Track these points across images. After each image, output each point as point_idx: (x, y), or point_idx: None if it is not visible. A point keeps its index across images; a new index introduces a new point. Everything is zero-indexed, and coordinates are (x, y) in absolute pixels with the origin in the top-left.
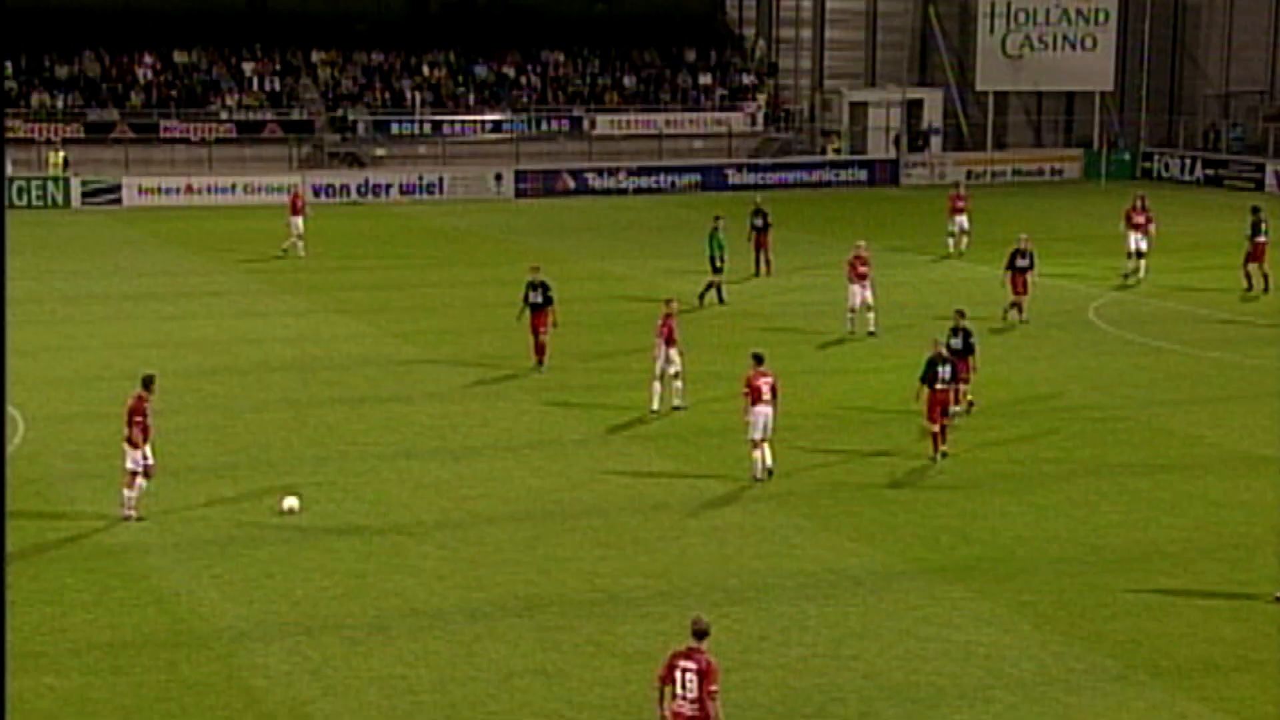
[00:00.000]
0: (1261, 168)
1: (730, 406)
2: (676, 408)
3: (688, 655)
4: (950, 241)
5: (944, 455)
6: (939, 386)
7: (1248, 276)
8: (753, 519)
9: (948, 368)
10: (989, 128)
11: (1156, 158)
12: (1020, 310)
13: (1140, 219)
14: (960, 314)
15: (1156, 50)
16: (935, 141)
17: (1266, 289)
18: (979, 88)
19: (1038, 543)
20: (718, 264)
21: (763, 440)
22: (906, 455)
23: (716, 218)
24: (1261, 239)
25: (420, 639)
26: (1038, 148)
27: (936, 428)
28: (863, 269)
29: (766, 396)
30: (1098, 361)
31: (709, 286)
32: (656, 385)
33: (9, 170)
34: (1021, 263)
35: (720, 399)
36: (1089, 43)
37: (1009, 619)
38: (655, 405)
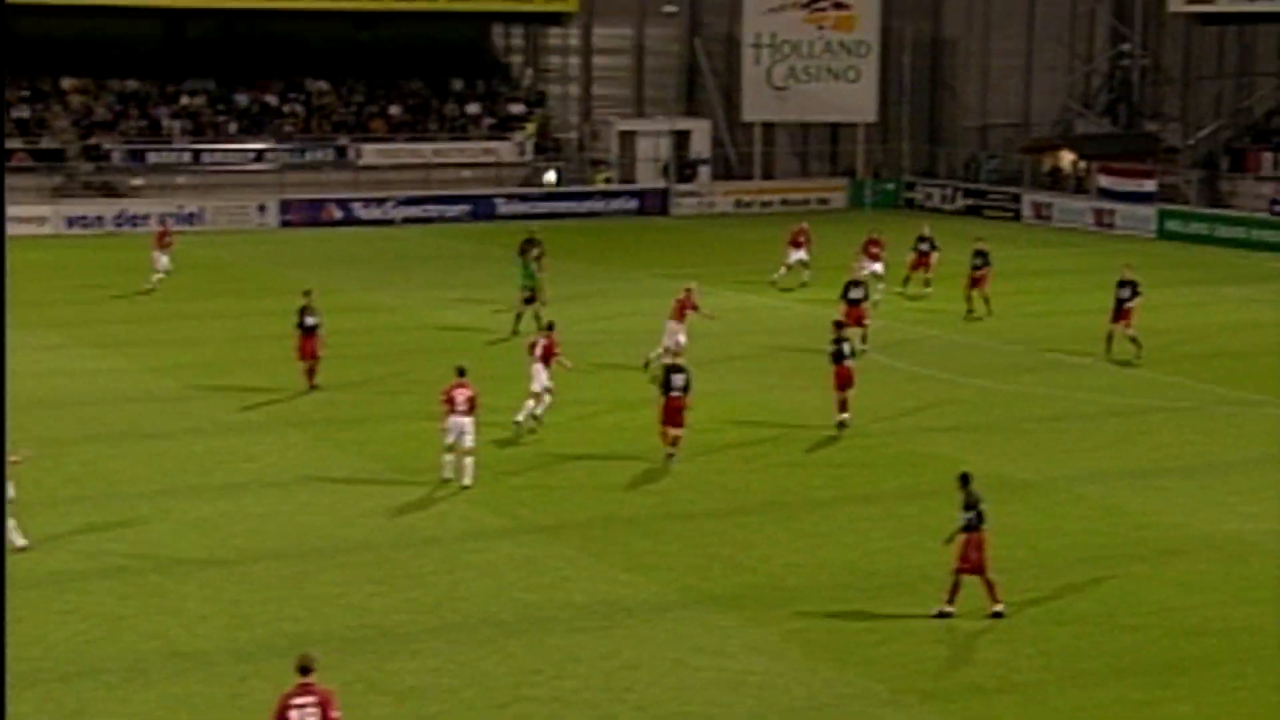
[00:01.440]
0: (1018, 198)
1: (509, 447)
2: (536, 417)
3: (301, 692)
4: (784, 272)
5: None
6: (672, 394)
7: (969, 300)
8: (524, 551)
9: (680, 376)
10: (756, 158)
11: (919, 187)
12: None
13: (876, 250)
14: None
15: (917, 82)
16: (704, 171)
17: (989, 313)
18: (746, 118)
19: (808, 570)
20: (528, 293)
21: (460, 449)
22: (681, 483)
23: (527, 241)
24: (980, 270)
25: (182, 681)
26: (804, 177)
27: (670, 436)
28: (688, 310)
29: (462, 407)
30: (864, 388)
31: (520, 315)
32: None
33: None
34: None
35: (493, 434)
36: (852, 75)
37: (780, 647)
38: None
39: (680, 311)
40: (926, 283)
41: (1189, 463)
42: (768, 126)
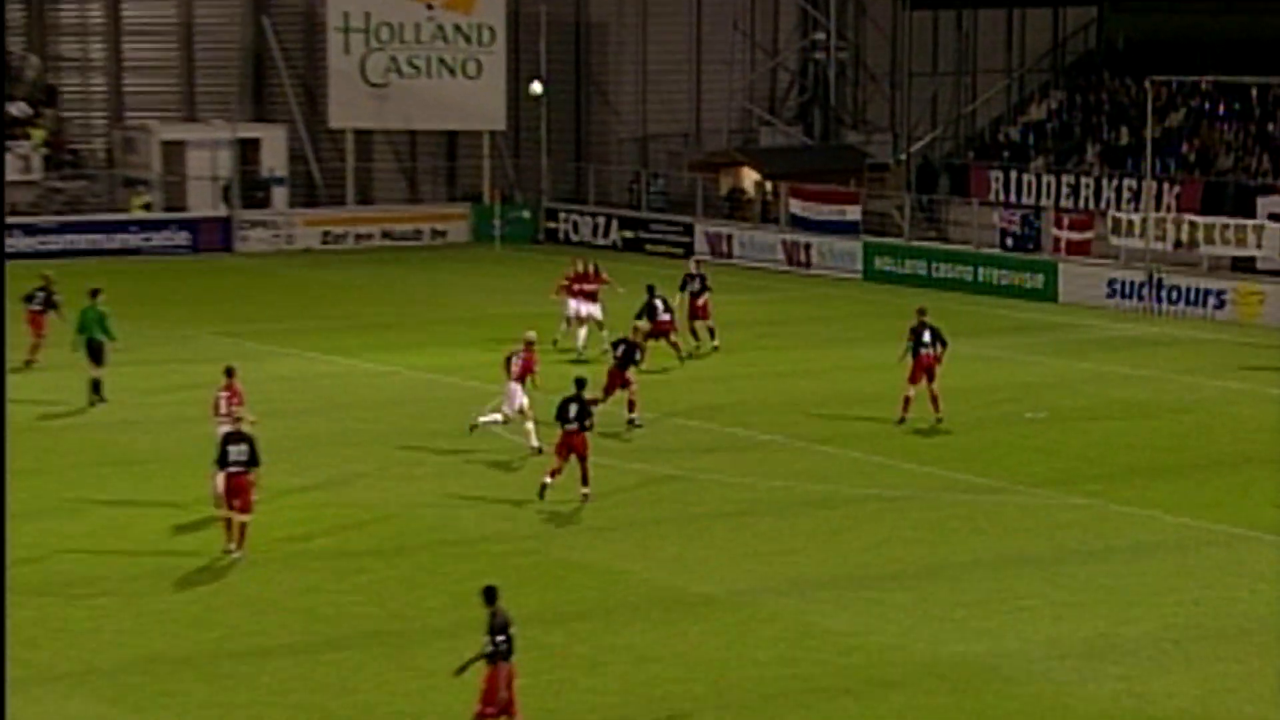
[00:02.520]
0: (690, 229)
1: None
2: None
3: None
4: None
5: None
6: (231, 469)
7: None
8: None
9: (242, 446)
10: (350, 177)
11: (563, 216)
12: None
13: (591, 287)
14: None
15: (558, 79)
16: (279, 194)
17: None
18: (334, 124)
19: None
20: (100, 355)
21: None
22: (253, 606)
23: (94, 291)
24: (701, 297)
25: None
26: (414, 203)
27: (235, 525)
28: (530, 370)
29: (224, 411)
30: (504, 476)
31: (95, 383)
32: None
33: None
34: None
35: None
36: (473, 69)
37: None
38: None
39: (523, 372)
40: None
41: (906, 567)
42: (363, 135)
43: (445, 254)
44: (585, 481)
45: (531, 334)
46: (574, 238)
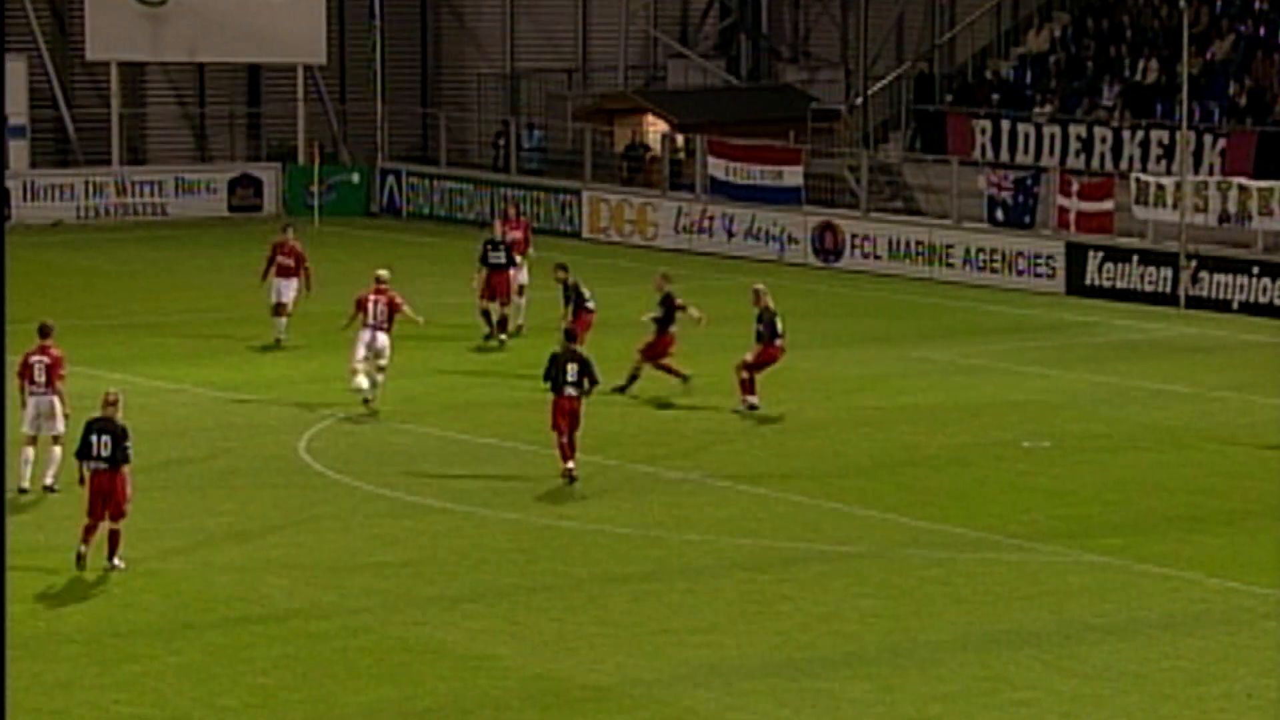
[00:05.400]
0: (578, 196)
1: None
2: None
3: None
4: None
5: None
6: None
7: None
8: None
9: None
10: (115, 126)
11: (407, 181)
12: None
13: (289, 261)
14: None
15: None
16: (18, 149)
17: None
18: (92, 56)
19: None
20: None
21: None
22: None
23: None
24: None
25: None
26: (202, 161)
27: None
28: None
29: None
30: (312, 536)
31: None
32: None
33: None
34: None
35: None
36: None
37: None
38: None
39: (389, 313)
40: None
41: (863, 649)
42: (132, 71)
43: (246, 230)
44: (570, 455)
45: (383, 272)
46: (417, 211)
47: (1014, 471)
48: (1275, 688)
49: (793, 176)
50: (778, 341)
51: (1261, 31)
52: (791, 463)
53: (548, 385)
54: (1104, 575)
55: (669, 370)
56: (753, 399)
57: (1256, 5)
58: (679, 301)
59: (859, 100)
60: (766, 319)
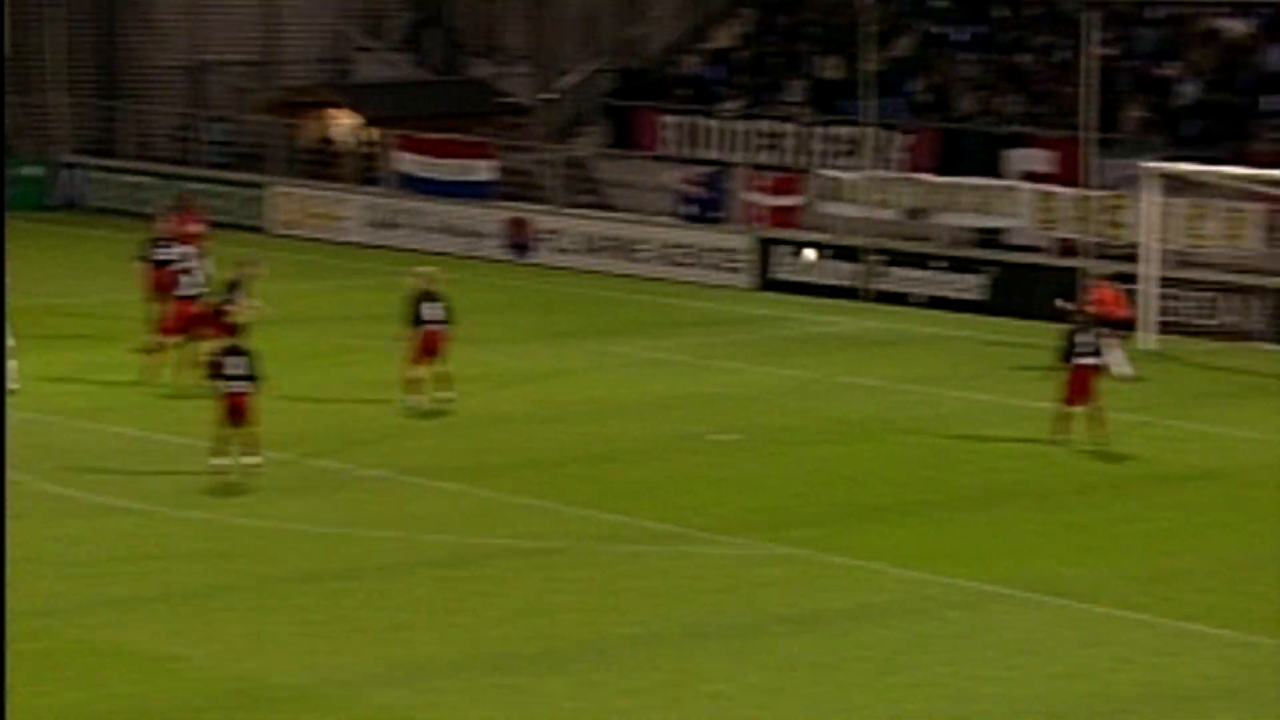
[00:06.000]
0: (264, 188)
1: None
2: None
3: None
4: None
5: None
6: None
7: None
8: None
9: None
10: None
11: (88, 175)
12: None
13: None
14: None
15: None
16: None
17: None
18: None
19: None
20: None
21: None
22: None
23: None
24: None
25: None
26: None
27: None
28: None
29: None
30: None
31: None
32: None
33: None
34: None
35: None
36: None
37: None
38: None
39: None
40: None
41: (557, 645)
42: None
43: None
44: (253, 452)
45: None
46: (102, 204)
47: (705, 464)
48: (960, 676)
49: (484, 171)
50: (433, 327)
51: (942, 31)
52: (483, 458)
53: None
54: (794, 567)
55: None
56: (418, 399)
57: (937, 3)
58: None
59: (550, 95)
60: (422, 302)
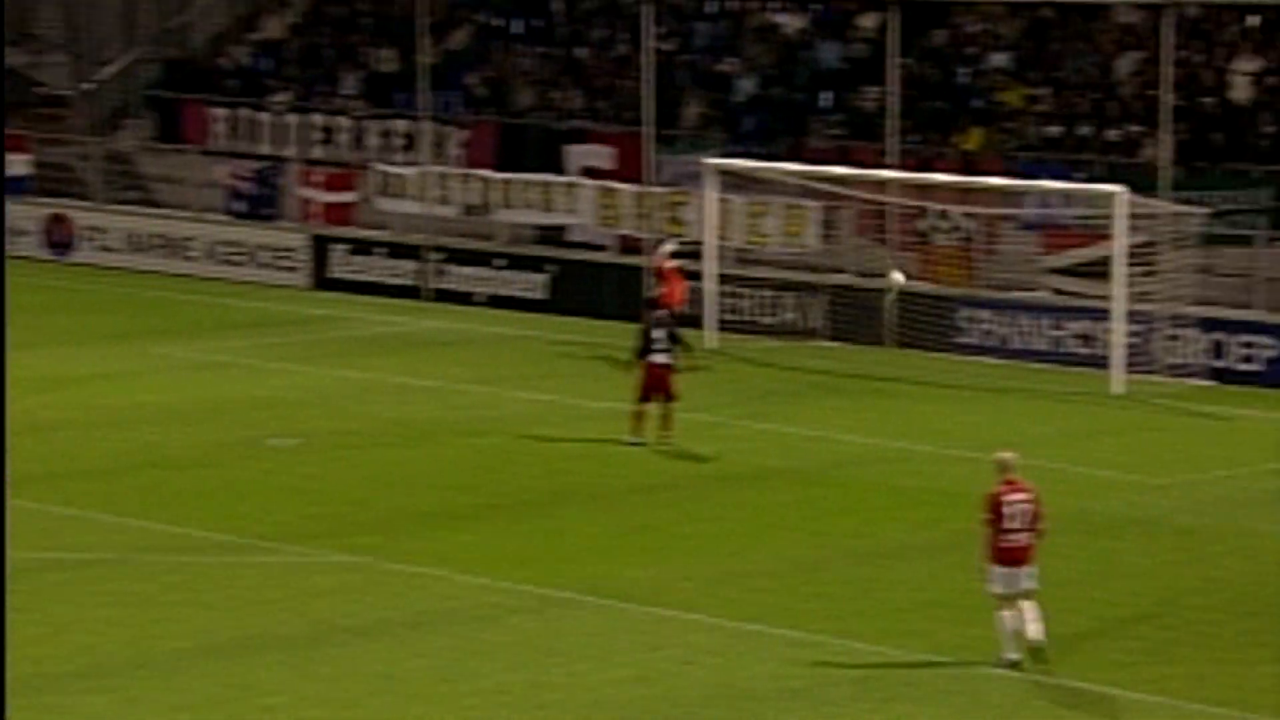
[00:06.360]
0: None
1: None
2: None
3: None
4: None
5: None
6: None
7: None
8: None
9: None
10: None
11: None
12: None
13: None
14: None
15: None
16: None
17: None
18: None
19: None
20: None
21: None
22: None
23: None
24: None
25: None
26: None
27: None
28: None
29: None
30: None
31: None
32: None
33: None
34: None
35: None
36: None
37: None
38: None
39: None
40: None
41: (101, 660)
42: None
43: None
44: None
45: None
46: None
47: (261, 471)
48: (525, 683)
49: (19, 165)
50: None
51: (498, 23)
52: (24, 467)
53: None
54: (352, 575)
55: None
56: None
57: None
58: None
59: (89, 85)
60: None
